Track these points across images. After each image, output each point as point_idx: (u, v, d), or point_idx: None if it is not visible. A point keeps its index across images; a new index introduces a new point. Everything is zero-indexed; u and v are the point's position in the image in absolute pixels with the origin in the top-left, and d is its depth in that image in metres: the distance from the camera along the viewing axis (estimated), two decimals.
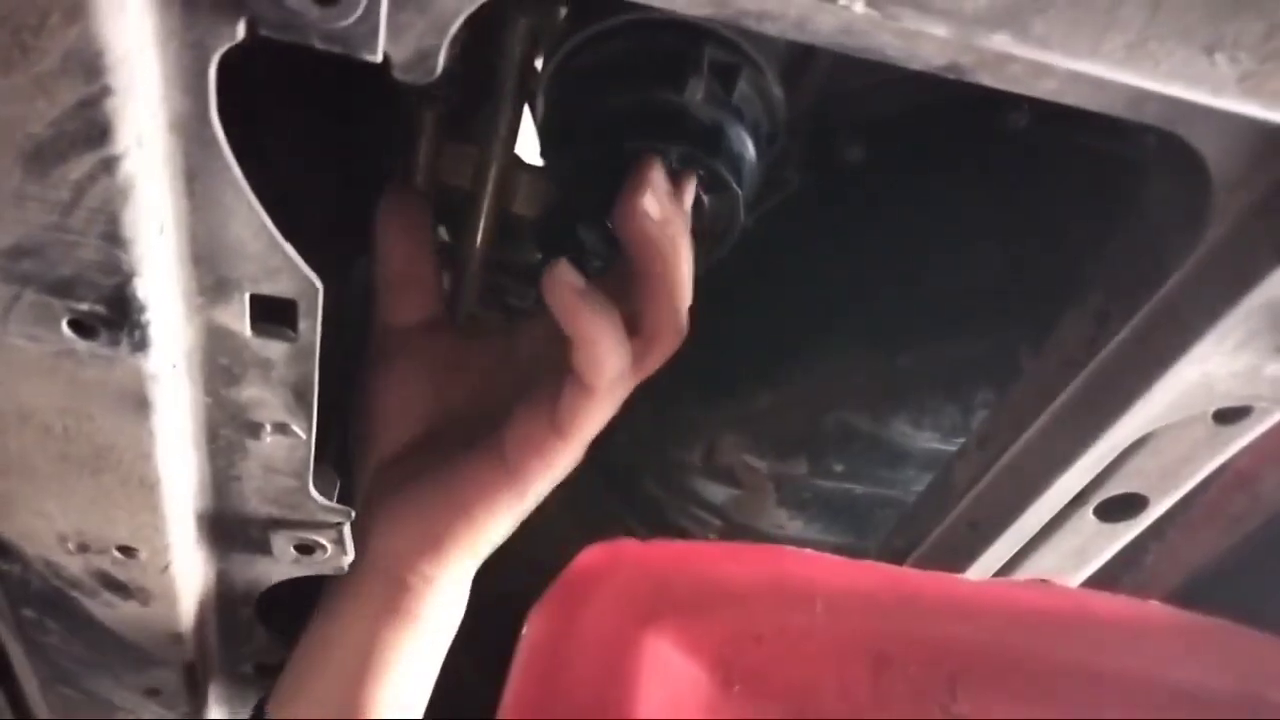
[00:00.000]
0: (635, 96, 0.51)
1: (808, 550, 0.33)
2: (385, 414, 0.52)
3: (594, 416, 0.46)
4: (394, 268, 0.52)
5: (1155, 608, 0.34)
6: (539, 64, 0.57)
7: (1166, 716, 0.31)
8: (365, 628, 0.49)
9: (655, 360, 0.46)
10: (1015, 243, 0.59)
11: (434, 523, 0.49)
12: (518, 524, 0.50)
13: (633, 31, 0.52)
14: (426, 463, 0.50)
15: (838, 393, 0.62)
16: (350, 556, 0.47)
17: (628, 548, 0.32)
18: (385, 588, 0.49)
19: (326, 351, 0.38)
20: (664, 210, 0.44)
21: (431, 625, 0.50)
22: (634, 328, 0.45)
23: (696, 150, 0.49)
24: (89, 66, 0.27)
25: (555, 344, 0.46)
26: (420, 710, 0.51)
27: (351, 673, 0.49)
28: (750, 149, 0.51)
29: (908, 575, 0.33)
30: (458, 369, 0.53)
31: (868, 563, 0.33)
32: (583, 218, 0.53)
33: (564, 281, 0.43)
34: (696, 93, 0.49)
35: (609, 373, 0.44)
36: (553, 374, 0.47)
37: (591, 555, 0.32)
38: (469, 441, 0.50)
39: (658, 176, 0.45)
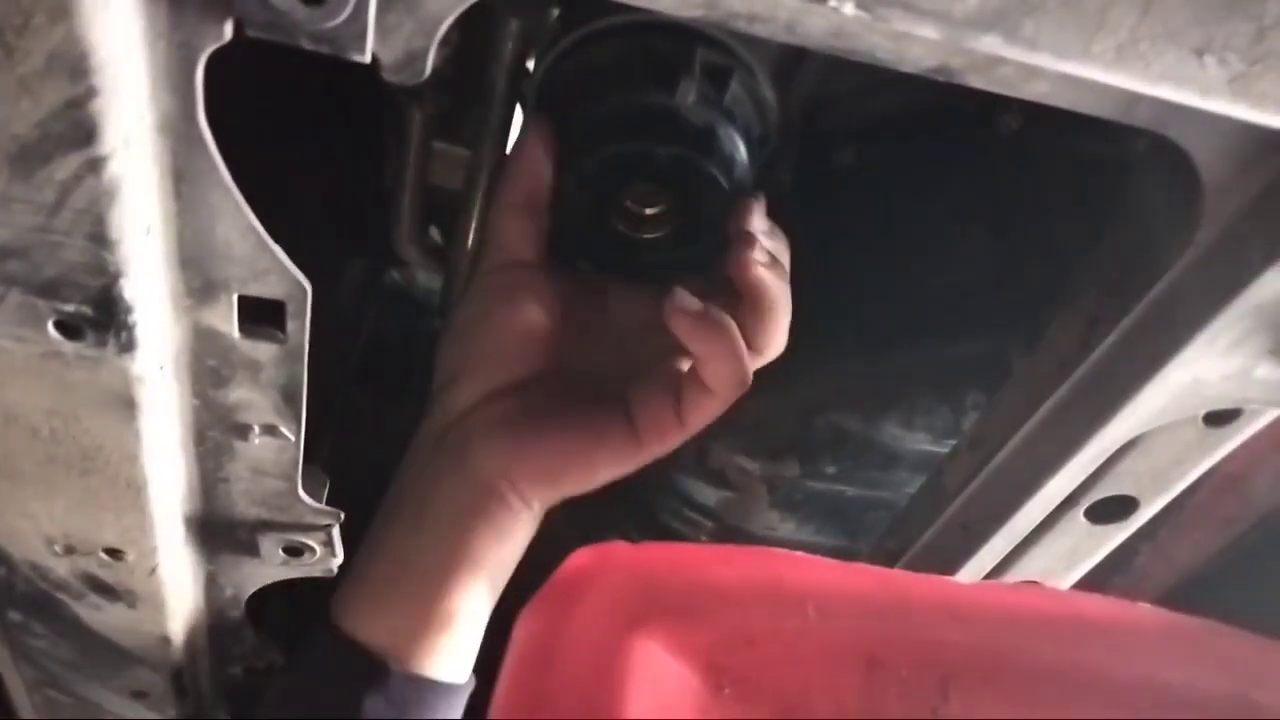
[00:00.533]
0: (627, 98, 0.51)
1: (799, 553, 0.33)
2: (501, 345, 0.53)
3: (713, 414, 0.50)
4: (525, 194, 0.52)
5: (1145, 609, 0.34)
6: (530, 65, 0.57)
7: (1156, 717, 0.31)
8: (459, 536, 0.50)
9: (759, 366, 0.50)
10: (1006, 245, 0.59)
11: (555, 457, 0.51)
12: None
13: (624, 33, 0.52)
14: (550, 402, 0.52)
15: (829, 394, 0.62)
16: (339, 558, 0.47)
17: (618, 550, 0.32)
18: (487, 502, 0.50)
19: (317, 353, 0.38)
20: (771, 249, 0.49)
21: (512, 549, 0.52)
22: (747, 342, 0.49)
23: (688, 152, 0.49)
24: (74, 67, 0.27)
25: (657, 328, 0.50)
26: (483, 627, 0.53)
27: (438, 579, 0.50)
28: (742, 150, 0.51)
29: (899, 578, 0.33)
30: (568, 316, 0.54)
31: (859, 565, 0.33)
32: (578, 221, 0.53)
33: (686, 309, 0.47)
34: (688, 95, 0.49)
35: (733, 383, 0.48)
36: (672, 361, 0.51)
37: (581, 558, 0.32)
38: (590, 395, 0.52)
39: (759, 221, 0.49)
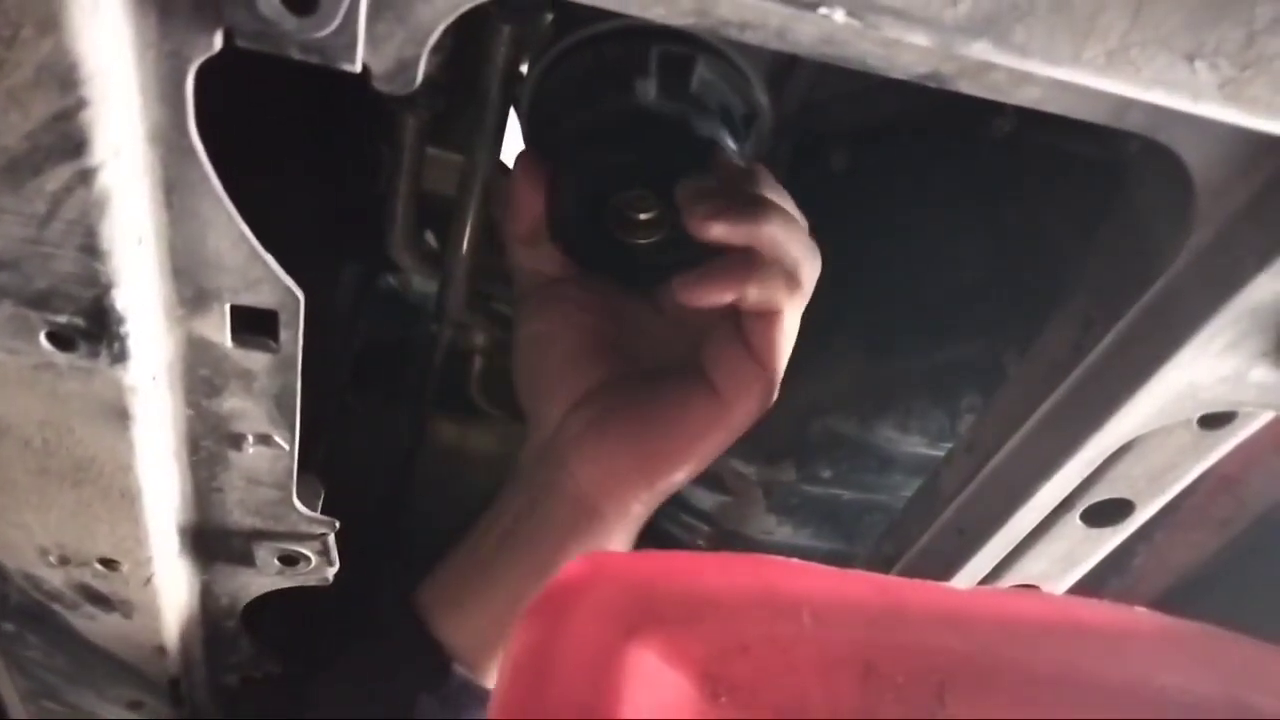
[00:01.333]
0: (617, 105, 0.51)
1: (794, 560, 0.32)
2: (566, 356, 0.54)
3: (782, 340, 0.49)
4: (527, 227, 0.53)
5: (1140, 614, 0.34)
6: (524, 70, 0.57)
7: None
8: (551, 555, 0.51)
9: (806, 287, 0.49)
10: (1001, 248, 0.59)
11: (647, 444, 0.51)
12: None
13: (617, 39, 0.52)
14: (630, 397, 0.52)
15: (825, 398, 0.62)
16: (335, 567, 0.47)
17: (612, 558, 0.32)
18: (582, 519, 0.51)
19: (311, 359, 0.38)
20: (728, 200, 0.47)
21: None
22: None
23: (689, 159, 0.49)
24: (63, 79, 0.27)
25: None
26: None
27: (524, 596, 0.48)
28: (724, 134, 0.51)
29: (894, 584, 0.33)
30: (617, 313, 0.55)
31: (854, 572, 0.33)
32: (574, 223, 0.53)
33: (711, 204, 0.46)
34: (647, 93, 0.49)
35: (785, 284, 0.47)
36: (726, 319, 0.51)
37: (576, 566, 0.32)
38: (665, 380, 0.52)
39: (699, 186, 0.48)
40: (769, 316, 0.48)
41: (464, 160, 0.57)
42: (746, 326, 0.49)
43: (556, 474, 0.52)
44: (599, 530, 0.51)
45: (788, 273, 0.47)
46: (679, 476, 0.52)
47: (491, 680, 0.51)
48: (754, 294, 0.47)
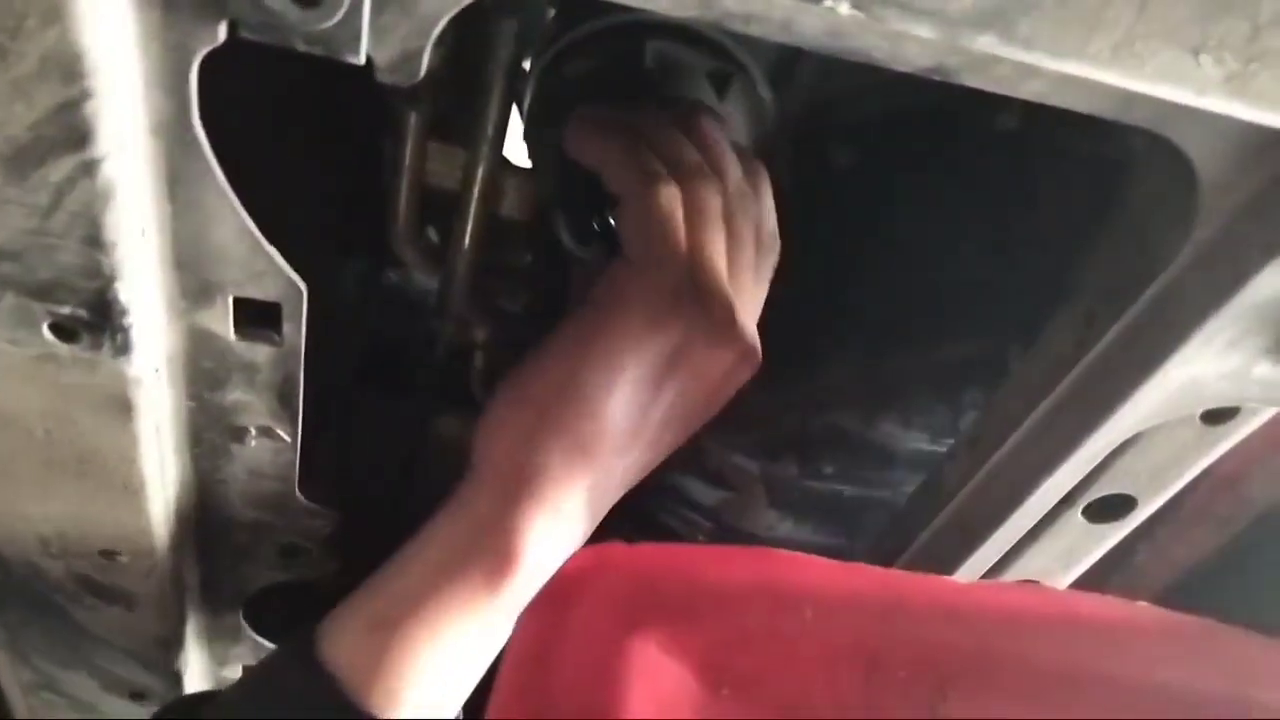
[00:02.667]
0: (619, 99, 0.50)
1: (796, 553, 0.33)
2: None
3: (646, 224, 0.44)
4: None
5: (1143, 609, 0.34)
6: (526, 65, 0.57)
7: (1155, 716, 0.31)
8: (436, 578, 0.43)
9: (700, 191, 0.45)
10: (1004, 245, 0.59)
11: (535, 405, 0.43)
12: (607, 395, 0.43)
13: (619, 35, 0.52)
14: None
15: (827, 395, 0.62)
16: (336, 560, 0.47)
17: (616, 551, 0.32)
18: (481, 539, 0.43)
19: (315, 354, 0.38)
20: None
21: (505, 600, 0.42)
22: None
23: None
24: (68, 70, 0.27)
25: None
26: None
27: (405, 619, 0.42)
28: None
29: (896, 578, 0.33)
30: None
31: (856, 565, 0.33)
32: (571, 219, 0.53)
33: (579, 123, 0.46)
34: (682, 96, 0.49)
35: (632, 173, 0.44)
36: None
37: (580, 559, 0.32)
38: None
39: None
40: (630, 198, 0.44)
41: (466, 155, 0.57)
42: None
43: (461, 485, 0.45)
44: (499, 560, 0.42)
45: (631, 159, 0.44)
46: (575, 418, 0.43)
47: (378, 708, 0.41)
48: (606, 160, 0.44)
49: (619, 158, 0.45)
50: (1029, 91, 0.30)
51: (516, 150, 0.59)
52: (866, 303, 0.61)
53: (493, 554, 0.41)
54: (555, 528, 0.41)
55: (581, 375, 0.43)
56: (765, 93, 0.53)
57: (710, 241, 0.45)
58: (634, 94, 0.50)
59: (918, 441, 0.61)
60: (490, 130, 0.55)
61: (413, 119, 0.56)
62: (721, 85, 0.51)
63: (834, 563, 0.32)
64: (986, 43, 0.28)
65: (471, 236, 0.60)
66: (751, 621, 0.31)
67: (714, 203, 0.45)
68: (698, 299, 0.44)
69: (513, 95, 0.55)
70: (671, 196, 0.44)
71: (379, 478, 0.77)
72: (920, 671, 0.30)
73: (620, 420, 0.42)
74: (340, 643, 0.42)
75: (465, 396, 0.80)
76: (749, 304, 0.48)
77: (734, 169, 0.46)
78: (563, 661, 0.30)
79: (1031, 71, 0.29)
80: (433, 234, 0.66)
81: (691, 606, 0.31)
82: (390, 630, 0.41)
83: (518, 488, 0.42)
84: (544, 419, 0.43)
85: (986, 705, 0.31)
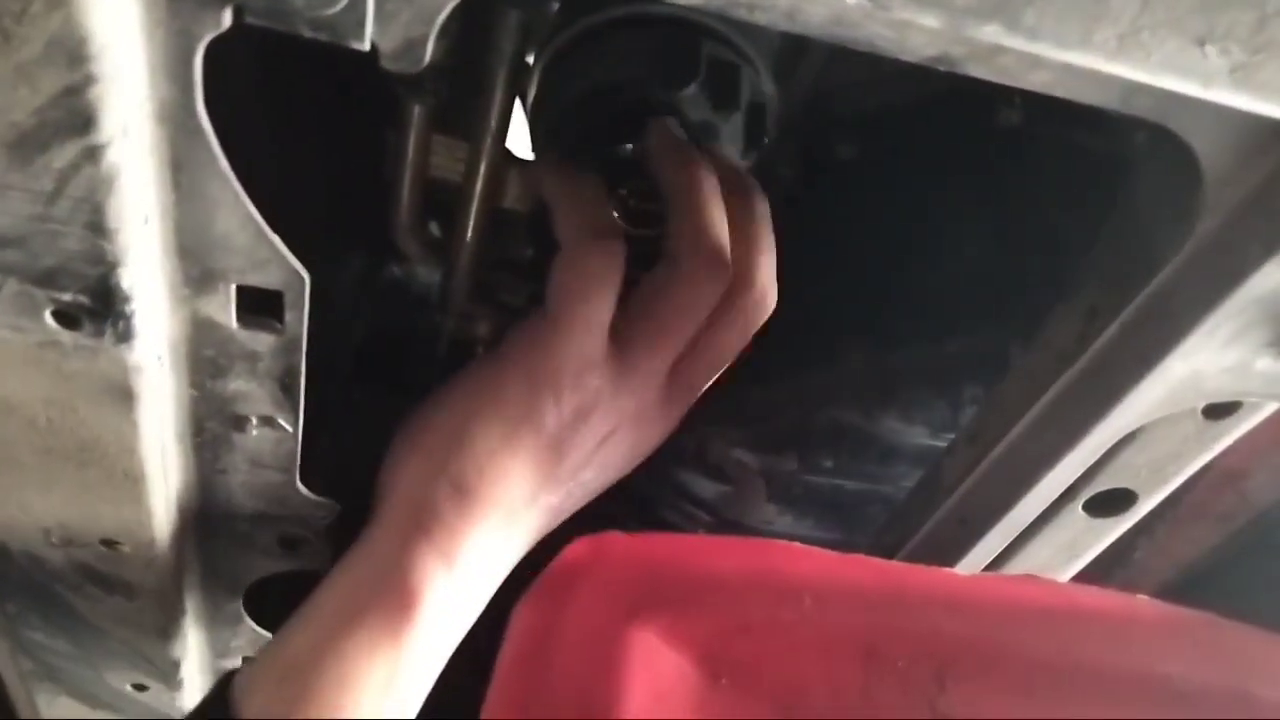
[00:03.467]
0: (624, 93, 0.51)
1: (795, 544, 0.33)
2: None
3: (572, 282, 0.42)
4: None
5: (1143, 602, 0.34)
6: (530, 58, 0.57)
7: (1154, 709, 0.31)
8: (335, 629, 0.42)
9: (691, 279, 0.43)
10: (1006, 239, 0.59)
11: (427, 449, 0.43)
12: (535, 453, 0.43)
13: (625, 26, 0.52)
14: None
15: (828, 389, 0.62)
16: (336, 551, 0.47)
17: (614, 541, 0.32)
18: (382, 585, 0.43)
19: (316, 347, 0.38)
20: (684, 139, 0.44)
21: (418, 655, 0.43)
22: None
23: None
24: (72, 54, 0.27)
25: None
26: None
27: (307, 676, 0.42)
28: (741, 155, 0.51)
29: (896, 569, 0.33)
30: None
31: (856, 556, 0.33)
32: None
33: (547, 160, 0.44)
34: (700, 94, 0.49)
35: (577, 222, 0.43)
36: None
37: (578, 548, 0.32)
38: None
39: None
40: (566, 251, 0.42)
41: (468, 147, 0.57)
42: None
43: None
44: (399, 609, 0.41)
45: (600, 213, 0.43)
46: (458, 462, 0.42)
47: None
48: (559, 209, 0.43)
49: (567, 204, 0.43)
50: (1034, 82, 0.30)
51: (520, 143, 0.59)
52: (867, 297, 0.61)
53: (391, 598, 0.41)
54: (453, 568, 0.41)
55: (473, 429, 0.42)
56: (769, 86, 0.53)
57: (675, 325, 0.43)
58: (635, 93, 0.50)
59: (918, 436, 0.62)
60: (494, 123, 0.55)
61: (416, 111, 0.56)
62: (725, 77, 0.50)
63: (833, 553, 0.32)
64: (991, 32, 0.28)
65: (474, 229, 0.60)
66: (750, 611, 0.31)
67: (697, 287, 0.43)
68: (623, 378, 0.42)
69: (516, 88, 0.55)
70: (611, 260, 0.42)
71: (379, 471, 0.77)
72: (919, 662, 0.30)
73: (516, 475, 0.42)
74: (254, 695, 0.41)
75: None
76: (708, 367, 0.46)
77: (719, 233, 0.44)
78: (560, 651, 0.30)
79: (1036, 62, 0.29)
80: (435, 228, 0.66)
81: (690, 596, 0.31)
82: (298, 681, 0.40)
83: (413, 531, 0.42)
84: (436, 465, 0.42)
85: (985, 696, 0.31)
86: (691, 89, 0.49)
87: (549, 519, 0.45)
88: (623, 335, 0.43)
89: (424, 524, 0.42)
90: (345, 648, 0.41)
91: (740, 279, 0.44)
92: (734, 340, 0.46)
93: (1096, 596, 0.34)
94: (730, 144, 0.50)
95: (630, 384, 0.43)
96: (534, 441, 0.42)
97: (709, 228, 0.43)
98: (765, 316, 0.45)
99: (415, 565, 0.41)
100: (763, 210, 0.46)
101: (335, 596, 0.42)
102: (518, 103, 0.57)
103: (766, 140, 0.53)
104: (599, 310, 0.42)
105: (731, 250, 0.44)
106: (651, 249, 0.54)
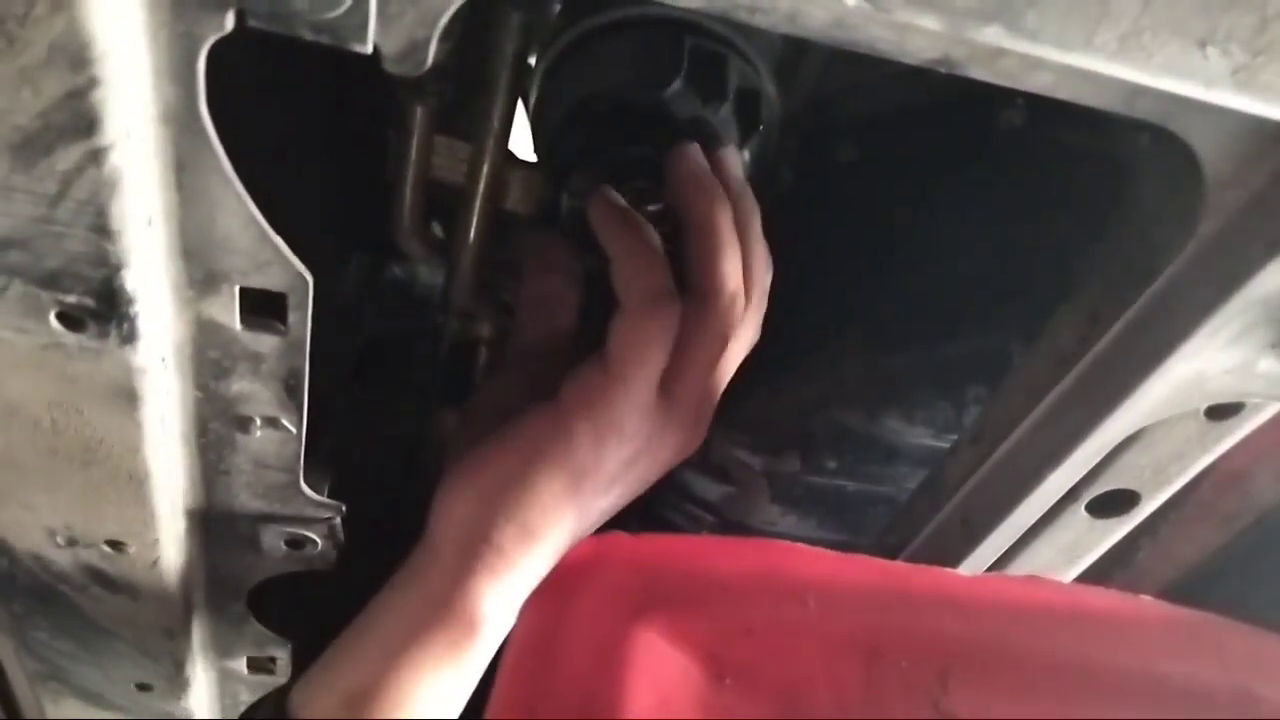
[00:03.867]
0: (626, 94, 0.51)
1: (799, 544, 0.33)
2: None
3: (634, 345, 0.44)
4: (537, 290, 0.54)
5: (1145, 602, 0.34)
6: (533, 60, 0.57)
7: (1157, 709, 0.31)
8: (395, 656, 0.45)
9: (712, 319, 0.46)
10: (1007, 241, 0.59)
11: (485, 477, 0.45)
12: (578, 510, 0.44)
13: (626, 28, 0.52)
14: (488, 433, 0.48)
15: (830, 390, 0.62)
16: (340, 551, 0.47)
17: (618, 541, 0.32)
18: (437, 617, 0.45)
19: (318, 348, 0.38)
20: (706, 170, 0.47)
21: (464, 674, 0.45)
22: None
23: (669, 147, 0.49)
24: (76, 57, 0.27)
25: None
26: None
27: (369, 695, 0.45)
28: (738, 144, 0.51)
29: (899, 570, 0.33)
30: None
31: (859, 556, 0.33)
32: (574, 215, 0.53)
33: (606, 201, 0.46)
34: (686, 90, 0.49)
35: (641, 288, 0.44)
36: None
37: (582, 549, 0.32)
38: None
39: (698, 160, 0.48)
40: (625, 315, 0.45)
41: (472, 148, 0.57)
42: (609, 331, 0.46)
43: (415, 556, 0.46)
44: (458, 633, 0.43)
45: (658, 279, 0.45)
46: (524, 508, 0.44)
47: None
48: (619, 266, 0.45)
49: (631, 266, 0.45)
50: (1035, 84, 0.30)
51: (522, 145, 0.59)
52: (870, 298, 0.61)
53: (453, 624, 0.43)
54: (508, 594, 0.43)
55: (538, 475, 0.44)
56: (771, 87, 0.53)
57: (697, 362, 0.46)
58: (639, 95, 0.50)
59: (921, 437, 0.62)
60: (496, 124, 0.55)
61: (419, 112, 0.56)
62: (710, 69, 0.50)
63: (836, 554, 0.32)
64: (992, 34, 0.28)
65: (476, 231, 0.60)
66: (754, 611, 0.31)
67: (713, 329, 0.46)
68: (669, 418, 0.46)
69: (519, 89, 0.55)
70: (669, 323, 0.45)
71: (381, 472, 0.77)
72: (921, 662, 0.30)
73: (570, 511, 0.44)
74: (303, 696, 0.45)
75: (469, 392, 0.80)
76: (715, 395, 0.50)
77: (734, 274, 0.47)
78: (565, 650, 0.30)
79: (1038, 64, 0.29)
80: (437, 229, 0.66)
81: (694, 596, 0.31)
82: (365, 704, 0.43)
83: (472, 562, 0.44)
84: (496, 505, 0.44)
85: (987, 696, 0.31)
86: (676, 85, 0.49)
87: (578, 538, 0.47)
88: (666, 379, 0.47)
89: (486, 558, 0.44)
90: (411, 676, 0.43)
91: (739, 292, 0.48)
92: (738, 354, 0.49)
93: (1099, 597, 0.33)
94: (726, 134, 0.51)
95: (673, 421, 0.47)
96: (593, 489, 0.45)
97: (727, 269, 0.46)
98: (735, 321, 0.47)
99: (477, 595, 0.43)
100: (756, 225, 0.49)
101: (396, 623, 0.45)
102: (520, 104, 0.57)
103: (761, 127, 0.53)
104: (656, 370, 0.45)
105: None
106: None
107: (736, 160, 0.49)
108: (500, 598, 0.43)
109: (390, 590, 0.46)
